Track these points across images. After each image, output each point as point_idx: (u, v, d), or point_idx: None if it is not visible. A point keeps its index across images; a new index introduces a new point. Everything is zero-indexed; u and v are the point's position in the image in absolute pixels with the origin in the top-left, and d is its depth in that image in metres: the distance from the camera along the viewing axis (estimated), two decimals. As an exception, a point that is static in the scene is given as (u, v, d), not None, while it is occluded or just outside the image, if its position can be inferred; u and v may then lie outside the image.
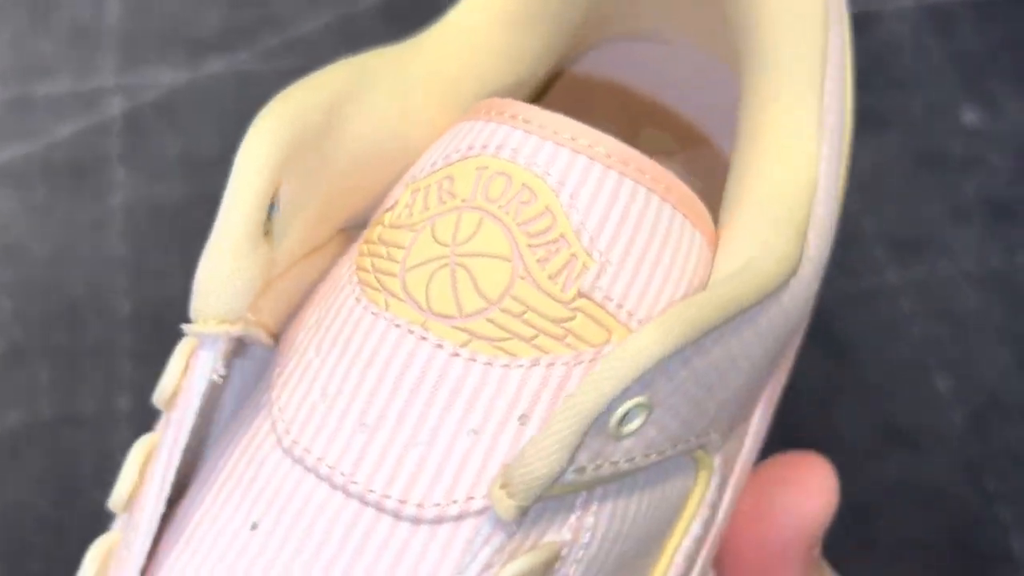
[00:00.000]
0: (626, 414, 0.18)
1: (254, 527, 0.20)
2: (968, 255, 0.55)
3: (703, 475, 0.22)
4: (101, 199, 0.52)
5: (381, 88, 0.22)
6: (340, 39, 0.58)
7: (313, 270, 0.23)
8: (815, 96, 0.23)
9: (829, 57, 0.24)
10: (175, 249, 0.50)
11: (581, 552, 0.19)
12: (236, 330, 0.20)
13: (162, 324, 0.48)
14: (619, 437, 0.19)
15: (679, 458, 0.21)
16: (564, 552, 0.19)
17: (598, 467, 0.19)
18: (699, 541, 0.22)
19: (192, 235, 0.51)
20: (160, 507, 0.21)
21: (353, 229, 0.23)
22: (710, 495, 0.22)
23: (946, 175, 0.57)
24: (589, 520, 0.19)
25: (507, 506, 0.18)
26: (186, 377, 0.21)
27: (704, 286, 0.21)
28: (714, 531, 0.23)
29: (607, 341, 0.20)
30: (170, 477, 0.21)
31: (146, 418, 0.45)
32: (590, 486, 0.19)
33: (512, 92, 0.25)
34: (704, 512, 0.22)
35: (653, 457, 0.20)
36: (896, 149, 0.57)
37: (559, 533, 0.19)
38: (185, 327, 0.21)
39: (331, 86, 0.22)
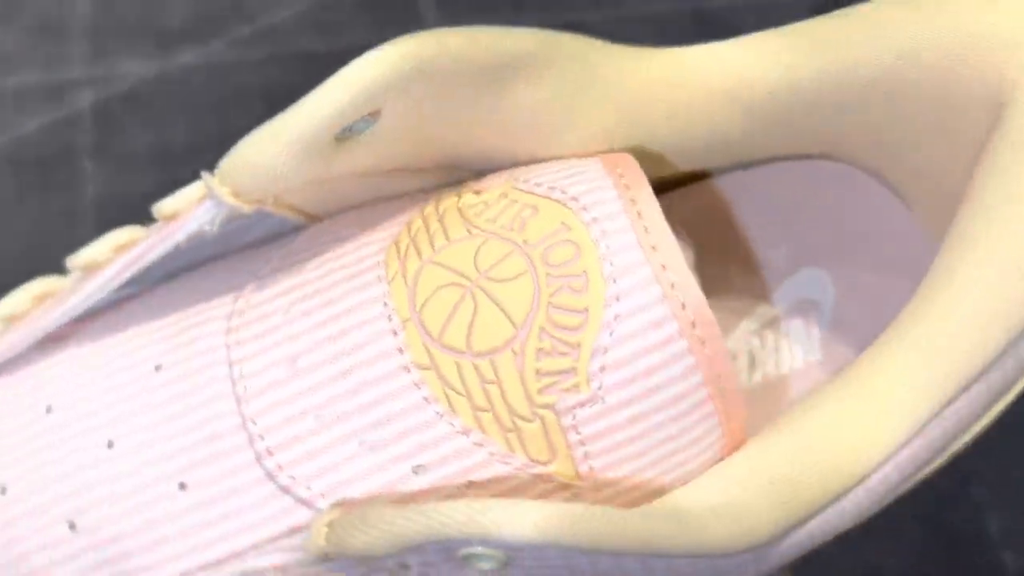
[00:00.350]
0: (474, 554, 0.17)
1: (158, 368, 0.20)
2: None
3: None
4: (71, 193, 0.51)
5: (567, 76, 0.21)
6: (313, 27, 0.58)
7: (395, 184, 0.22)
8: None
9: None
10: (147, 242, 0.50)
11: None
12: (242, 207, 0.20)
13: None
14: (464, 566, 0.18)
15: None
16: None
17: (425, 574, 0.18)
18: None
19: (164, 227, 0.51)
20: (110, 285, 0.22)
21: (456, 170, 0.23)
22: None
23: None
24: None
25: (316, 543, 0.18)
26: (188, 211, 0.21)
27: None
28: None
29: (545, 463, 0.19)
30: (128, 272, 0.21)
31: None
32: None
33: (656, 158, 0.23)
34: None
35: None
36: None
37: None
38: (205, 175, 0.20)
39: (501, 47, 0.20)
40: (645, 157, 0.23)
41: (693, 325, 0.19)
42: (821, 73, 0.21)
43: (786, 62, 0.21)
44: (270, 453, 0.19)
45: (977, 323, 0.18)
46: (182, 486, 0.20)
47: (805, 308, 0.25)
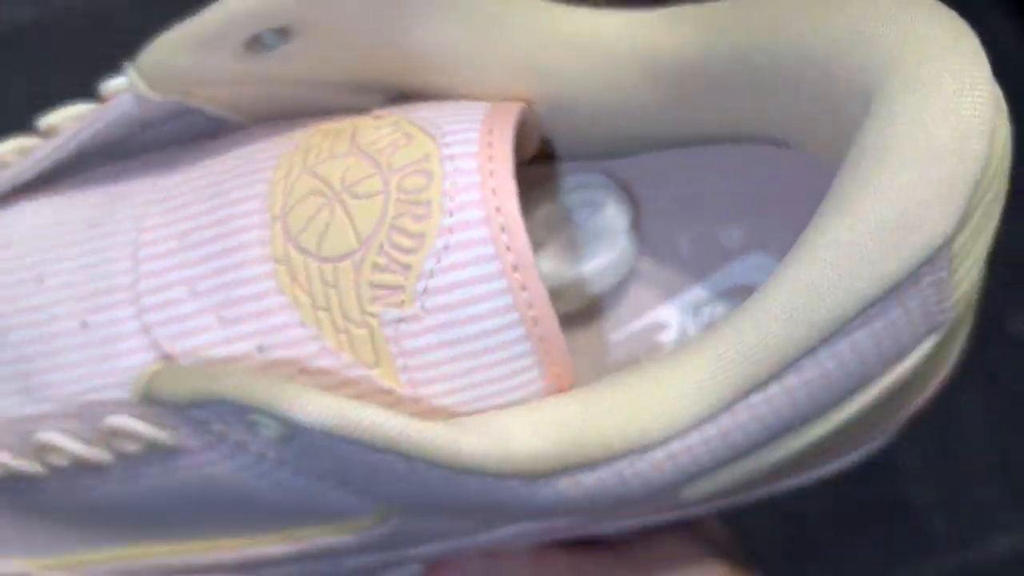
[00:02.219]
0: (259, 422, 0.21)
1: (91, 226, 0.24)
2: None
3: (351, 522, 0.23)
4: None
5: (478, 16, 0.22)
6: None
7: (333, 99, 0.24)
8: None
9: None
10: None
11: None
12: (155, 96, 0.23)
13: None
14: (251, 430, 0.21)
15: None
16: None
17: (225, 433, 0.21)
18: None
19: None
20: (59, 152, 0.25)
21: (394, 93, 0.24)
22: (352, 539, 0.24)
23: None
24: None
25: (136, 387, 0.22)
26: (117, 97, 0.24)
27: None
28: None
29: (369, 367, 0.21)
30: (75, 144, 0.25)
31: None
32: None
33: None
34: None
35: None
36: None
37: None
38: (127, 66, 0.23)
39: None
40: (558, 113, 0.24)
41: (515, 268, 0.21)
42: (730, 53, 0.22)
43: (698, 40, 0.22)
44: (147, 311, 0.23)
45: (775, 327, 0.20)
46: (83, 324, 0.23)
47: (741, 293, 0.27)
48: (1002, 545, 0.48)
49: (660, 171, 0.27)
